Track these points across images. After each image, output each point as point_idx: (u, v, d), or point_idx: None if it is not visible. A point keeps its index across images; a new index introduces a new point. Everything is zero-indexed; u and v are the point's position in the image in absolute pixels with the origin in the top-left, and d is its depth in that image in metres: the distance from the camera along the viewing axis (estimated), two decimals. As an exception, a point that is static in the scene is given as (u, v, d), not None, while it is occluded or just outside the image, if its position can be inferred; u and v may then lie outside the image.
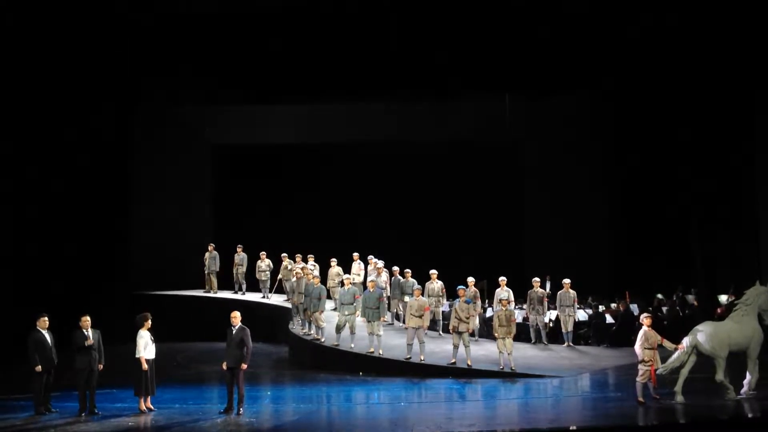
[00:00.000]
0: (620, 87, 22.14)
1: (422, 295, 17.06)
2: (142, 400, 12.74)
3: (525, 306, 18.39)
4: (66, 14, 19.35)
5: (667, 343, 12.47)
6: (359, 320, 17.13)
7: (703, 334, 12.36)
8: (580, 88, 22.57)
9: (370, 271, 19.35)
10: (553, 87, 22.20)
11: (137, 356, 12.66)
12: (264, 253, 21.85)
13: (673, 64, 20.66)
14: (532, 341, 18.05)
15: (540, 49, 20.46)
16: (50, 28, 19.51)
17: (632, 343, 12.95)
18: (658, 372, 12.32)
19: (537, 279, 18.26)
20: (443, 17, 20.17)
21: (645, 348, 12.26)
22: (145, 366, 12.63)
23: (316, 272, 19.22)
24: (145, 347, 12.72)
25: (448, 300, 18.67)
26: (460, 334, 15.52)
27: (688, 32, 19.77)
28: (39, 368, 12.71)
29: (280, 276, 21.37)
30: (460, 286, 16.51)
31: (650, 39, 20.11)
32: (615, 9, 19.69)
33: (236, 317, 12.80)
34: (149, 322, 12.90)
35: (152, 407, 12.81)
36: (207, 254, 22.39)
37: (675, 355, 12.45)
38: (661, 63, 20.73)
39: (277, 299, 21.68)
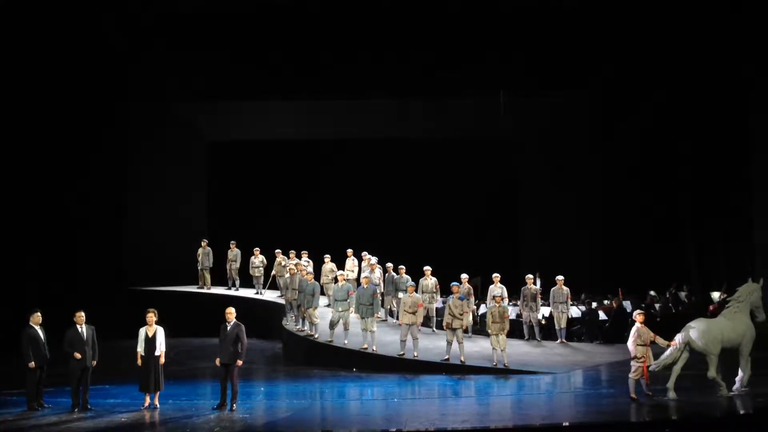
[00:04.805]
0: (615, 85, 22.20)
1: (416, 291, 17.10)
2: (147, 396, 12.75)
3: (518, 303, 18.43)
4: (65, 13, 19.33)
5: (660, 340, 12.50)
6: (353, 316, 17.13)
7: (695, 330, 12.39)
8: (575, 86, 22.64)
9: (364, 268, 19.33)
10: (548, 84, 22.27)
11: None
12: (257, 249, 21.83)
13: (669, 63, 20.76)
14: (526, 338, 18.08)
15: (535, 46, 20.53)
16: (50, 27, 19.51)
17: (625, 340, 12.98)
18: (650, 368, 12.36)
19: (530, 276, 18.29)
20: (438, 15, 20.21)
21: (638, 345, 12.29)
22: (138, 361, 12.67)
23: (310, 268, 19.20)
24: (140, 343, 12.74)
25: (441, 297, 18.68)
26: (453, 330, 15.54)
27: (683, 30, 19.85)
28: (32, 365, 12.69)
29: (273, 272, 21.37)
30: (453, 283, 16.51)
31: (646, 37, 20.20)
32: (610, 9, 19.78)
33: (231, 313, 12.78)
34: (149, 317, 12.87)
35: (156, 404, 12.75)
36: (200, 250, 22.35)
37: (668, 352, 12.49)
38: (656, 62, 20.81)
39: (270, 295, 21.67)
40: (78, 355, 12.65)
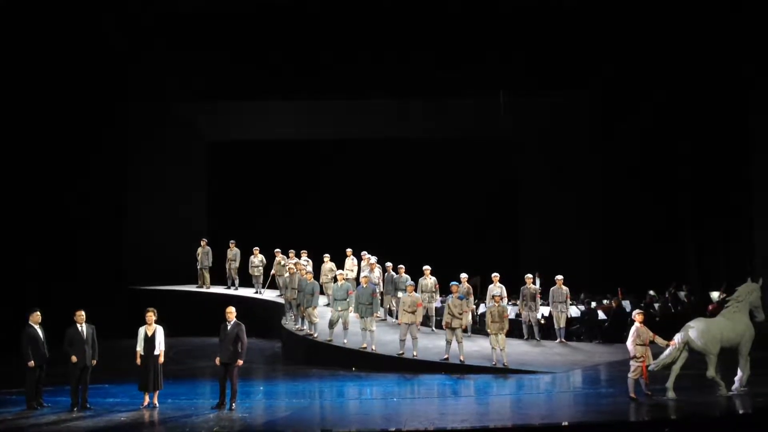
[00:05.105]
0: (615, 84, 22.20)
1: (415, 291, 17.10)
2: (146, 396, 12.75)
3: (518, 302, 18.43)
4: (65, 13, 19.34)
5: (659, 340, 12.51)
6: (352, 316, 17.14)
7: (695, 330, 12.40)
8: (575, 86, 22.64)
9: (364, 267, 19.34)
10: (548, 84, 22.27)
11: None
12: (257, 248, 21.83)
13: (669, 63, 20.74)
14: (525, 337, 18.08)
15: (535, 46, 20.52)
16: (50, 27, 19.52)
17: (624, 340, 12.98)
18: (649, 368, 12.36)
19: (530, 275, 18.30)
20: (438, 15, 20.21)
21: (637, 344, 12.29)
22: (137, 360, 12.68)
23: (309, 268, 19.20)
24: (139, 342, 12.75)
25: (441, 296, 18.68)
26: (453, 330, 15.54)
27: (682, 30, 19.85)
28: (32, 364, 12.70)
29: (273, 271, 21.38)
30: (453, 282, 16.52)
31: (646, 37, 20.18)
32: (610, 9, 19.77)
33: (231, 313, 12.78)
34: (148, 316, 12.88)
35: (155, 403, 12.74)
36: (200, 249, 22.35)
37: (667, 352, 12.50)
38: (656, 61, 20.80)
39: (270, 295, 21.67)
40: (74, 359, 12.64)
